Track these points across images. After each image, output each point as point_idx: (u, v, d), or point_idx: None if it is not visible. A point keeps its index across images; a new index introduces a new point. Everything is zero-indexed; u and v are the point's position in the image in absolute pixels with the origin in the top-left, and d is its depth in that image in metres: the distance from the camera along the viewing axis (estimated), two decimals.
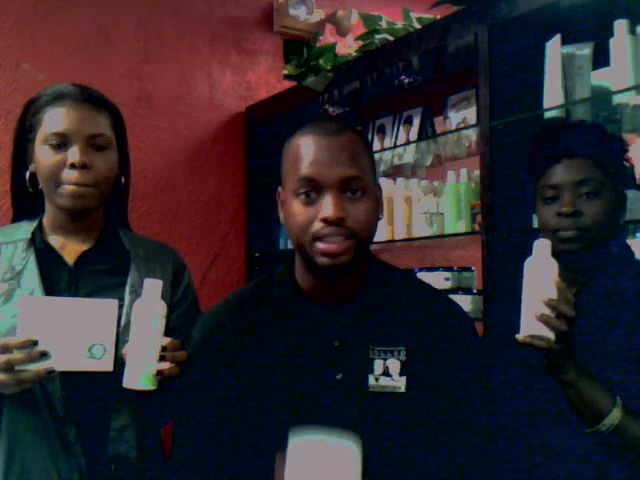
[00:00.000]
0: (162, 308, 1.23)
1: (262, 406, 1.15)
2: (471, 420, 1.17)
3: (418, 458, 1.14)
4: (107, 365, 1.25)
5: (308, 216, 1.12)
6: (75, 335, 1.25)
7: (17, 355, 1.21)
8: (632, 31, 1.83)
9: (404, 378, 1.15)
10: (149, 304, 1.23)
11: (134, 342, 1.21)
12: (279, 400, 1.15)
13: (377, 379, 1.15)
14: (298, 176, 1.12)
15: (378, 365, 1.15)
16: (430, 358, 1.17)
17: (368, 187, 1.15)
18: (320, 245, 1.11)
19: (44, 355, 1.22)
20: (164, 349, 1.21)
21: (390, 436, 1.13)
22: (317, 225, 1.11)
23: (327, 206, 1.10)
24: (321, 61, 2.81)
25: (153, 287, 1.24)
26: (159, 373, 1.20)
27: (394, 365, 1.15)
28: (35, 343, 1.22)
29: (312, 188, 1.12)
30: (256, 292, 1.26)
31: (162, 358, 1.21)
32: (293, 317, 1.20)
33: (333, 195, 1.11)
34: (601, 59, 1.91)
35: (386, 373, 1.15)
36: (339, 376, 1.16)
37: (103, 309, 1.27)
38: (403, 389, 1.14)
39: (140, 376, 1.20)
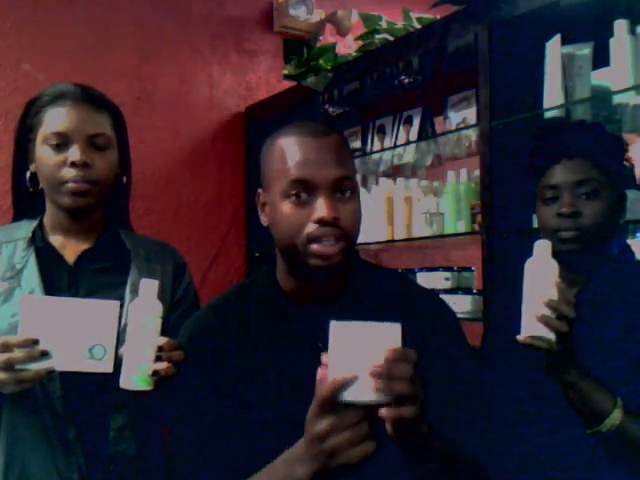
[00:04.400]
0: (158, 308, 1.22)
1: (247, 407, 1.14)
2: (465, 412, 1.15)
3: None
4: (107, 366, 1.25)
5: (301, 217, 1.10)
6: (76, 335, 1.24)
7: (17, 354, 1.21)
8: (632, 31, 1.83)
9: None
10: (145, 304, 1.22)
11: (130, 342, 1.21)
12: (264, 401, 1.14)
13: None
14: (289, 178, 1.11)
15: None
16: (419, 352, 1.16)
17: (356, 187, 1.15)
18: (314, 247, 1.10)
19: (44, 355, 1.22)
20: (160, 349, 1.21)
21: (378, 434, 1.13)
22: (311, 226, 1.09)
23: (321, 207, 1.09)
24: (321, 61, 2.81)
25: (149, 287, 1.23)
26: (155, 373, 1.20)
27: None
28: (36, 342, 1.22)
29: (303, 189, 1.11)
30: (239, 295, 1.26)
31: (158, 358, 1.21)
32: (276, 318, 1.19)
33: (326, 196, 1.10)
34: (601, 59, 1.91)
35: None
36: None
37: (104, 310, 1.27)
38: None
39: (136, 376, 1.19)
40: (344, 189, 1.12)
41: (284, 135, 1.16)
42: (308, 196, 1.11)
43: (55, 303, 1.27)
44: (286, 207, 1.12)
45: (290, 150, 1.13)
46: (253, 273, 1.30)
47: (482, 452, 1.14)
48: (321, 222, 1.09)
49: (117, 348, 1.26)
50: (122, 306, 1.30)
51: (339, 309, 1.17)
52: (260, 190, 1.20)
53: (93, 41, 2.84)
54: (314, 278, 1.15)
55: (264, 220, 1.20)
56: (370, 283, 1.22)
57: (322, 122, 1.21)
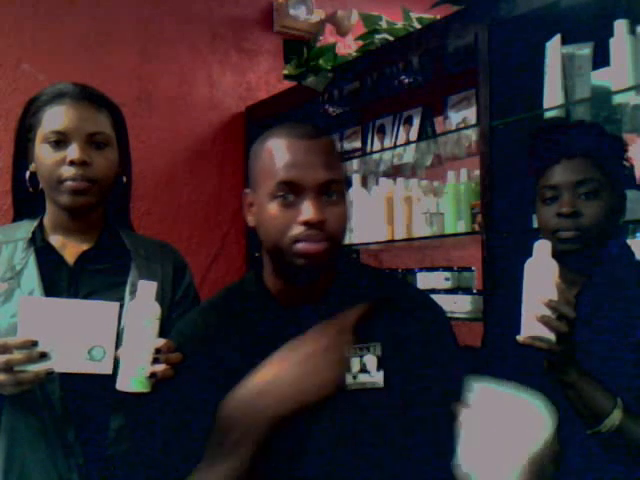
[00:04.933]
0: (156, 310, 1.22)
1: None
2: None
3: (404, 453, 1.12)
4: (106, 368, 1.25)
5: (287, 219, 1.11)
6: (75, 337, 1.24)
7: (17, 355, 1.21)
8: (632, 31, 1.83)
9: (382, 373, 1.14)
10: (142, 306, 1.22)
11: (127, 344, 1.20)
12: None
13: (355, 377, 1.14)
14: (277, 179, 1.11)
15: (354, 363, 1.15)
16: (406, 350, 1.16)
17: (343, 190, 1.16)
18: (299, 245, 1.10)
19: (44, 356, 1.22)
20: (158, 351, 1.21)
21: (374, 433, 1.12)
22: (297, 228, 1.10)
23: (308, 209, 1.10)
24: (321, 61, 2.80)
25: (147, 289, 1.23)
26: (152, 375, 1.20)
27: (371, 361, 1.15)
28: (35, 344, 1.22)
29: (290, 191, 1.11)
30: (226, 299, 1.26)
31: (156, 360, 1.20)
32: (264, 321, 1.19)
33: (313, 198, 1.10)
34: (601, 59, 1.91)
35: (363, 370, 1.15)
36: None
37: (104, 312, 1.26)
38: (382, 384, 1.14)
39: (133, 378, 1.19)
40: (331, 192, 1.13)
41: (273, 137, 1.16)
42: (295, 198, 1.11)
43: (54, 304, 1.27)
44: (273, 208, 1.12)
45: (278, 151, 1.13)
46: (241, 278, 1.30)
47: None
48: (307, 224, 1.10)
49: (117, 349, 1.26)
50: (122, 307, 1.30)
51: (325, 310, 1.17)
52: (248, 190, 1.20)
53: (93, 41, 2.84)
54: (299, 278, 1.15)
55: (250, 220, 1.20)
56: (355, 284, 1.22)
57: (312, 125, 1.21)
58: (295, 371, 1.03)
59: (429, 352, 1.17)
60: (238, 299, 1.24)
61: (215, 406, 1.10)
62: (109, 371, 1.25)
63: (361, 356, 1.15)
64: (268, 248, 1.16)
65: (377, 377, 1.14)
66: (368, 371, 1.15)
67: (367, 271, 1.29)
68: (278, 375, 1.04)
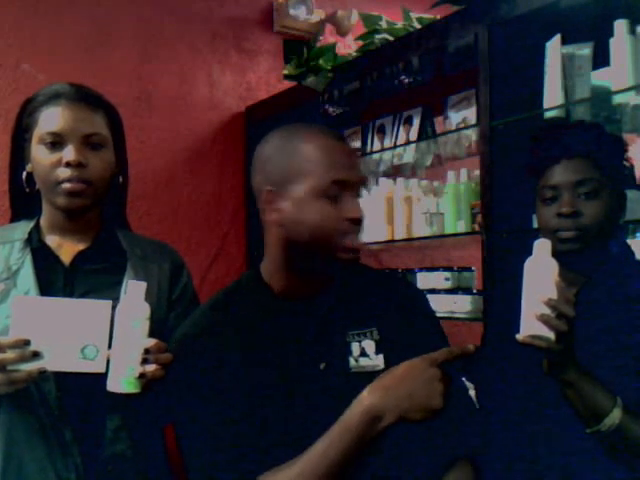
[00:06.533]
0: (145, 310, 1.22)
1: (250, 408, 1.15)
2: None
3: (407, 432, 1.13)
4: (100, 366, 1.24)
5: (334, 215, 1.17)
6: (68, 336, 1.24)
7: (9, 355, 1.21)
8: (632, 31, 1.83)
9: (381, 356, 1.21)
10: (132, 306, 1.22)
11: (117, 345, 1.20)
12: (267, 401, 1.16)
13: (357, 360, 1.20)
14: (331, 178, 1.16)
15: (355, 347, 1.21)
16: (400, 332, 1.23)
17: None
18: (347, 240, 1.17)
19: (36, 355, 1.22)
20: (147, 351, 1.21)
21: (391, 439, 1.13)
22: (344, 224, 1.17)
23: (355, 207, 1.18)
24: (321, 61, 2.80)
25: (136, 289, 1.23)
26: (142, 376, 1.20)
27: (369, 345, 1.22)
28: (27, 343, 1.22)
29: (339, 189, 1.17)
30: (227, 299, 1.28)
31: (145, 361, 1.20)
32: (269, 317, 1.22)
33: (355, 196, 1.19)
34: (601, 59, 1.91)
35: (363, 354, 1.21)
36: (322, 366, 1.19)
37: (96, 310, 1.26)
38: (382, 366, 1.19)
39: (123, 379, 1.19)
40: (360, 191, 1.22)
41: (310, 135, 1.20)
42: (338, 196, 1.18)
43: (47, 303, 1.27)
44: (322, 205, 1.17)
45: (325, 151, 1.18)
46: (238, 279, 1.33)
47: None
48: (354, 221, 1.17)
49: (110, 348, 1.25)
50: (116, 307, 1.30)
51: (329, 301, 1.24)
52: (269, 188, 1.20)
53: (93, 41, 2.84)
54: (331, 270, 1.21)
55: (274, 217, 1.20)
56: (351, 276, 1.28)
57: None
58: (410, 389, 1.06)
59: (421, 331, 1.25)
60: (239, 297, 1.26)
61: (228, 403, 1.14)
62: (102, 369, 1.24)
63: (360, 341, 1.21)
64: (306, 243, 1.18)
65: (377, 360, 1.20)
66: (368, 355, 1.21)
67: (357, 266, 1.33)
68: (399, 387, 1.07)
